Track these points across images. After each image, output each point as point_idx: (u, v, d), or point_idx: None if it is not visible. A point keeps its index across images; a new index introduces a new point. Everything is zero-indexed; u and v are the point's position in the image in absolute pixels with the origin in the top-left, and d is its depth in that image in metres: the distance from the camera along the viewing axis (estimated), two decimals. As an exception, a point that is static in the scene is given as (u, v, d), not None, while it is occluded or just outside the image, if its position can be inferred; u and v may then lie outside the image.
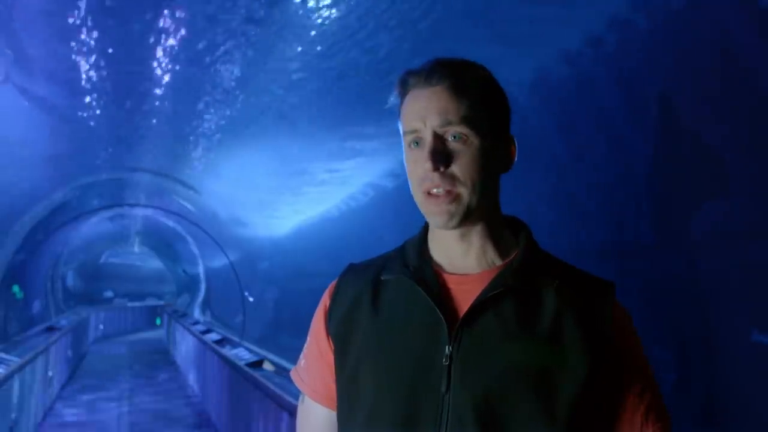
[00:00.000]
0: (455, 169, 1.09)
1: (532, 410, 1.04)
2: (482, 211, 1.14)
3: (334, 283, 1.26)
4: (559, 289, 1.11)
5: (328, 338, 1.22)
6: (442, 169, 1.09)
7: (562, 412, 1.04)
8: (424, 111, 1.11)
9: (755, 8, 2.19)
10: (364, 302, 1.18)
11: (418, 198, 1.13)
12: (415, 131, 1.12)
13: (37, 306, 10.04)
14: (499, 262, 1.16)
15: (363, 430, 1.12)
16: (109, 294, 23.34)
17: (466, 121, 1.10)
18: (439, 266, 1.17)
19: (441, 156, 1.09)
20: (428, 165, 1.09)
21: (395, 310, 1.15)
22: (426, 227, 1.23)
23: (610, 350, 1.09)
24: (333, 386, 1.21)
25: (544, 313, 1.09)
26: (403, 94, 1.17)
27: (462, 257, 1.16)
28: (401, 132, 1.17)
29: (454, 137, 1.10)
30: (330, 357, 1.21)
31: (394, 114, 1.19)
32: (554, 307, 1.09)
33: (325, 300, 1.26)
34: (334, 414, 1.22)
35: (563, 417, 1.04)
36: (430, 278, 1.15)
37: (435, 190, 1.10)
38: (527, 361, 1.06)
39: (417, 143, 1.12)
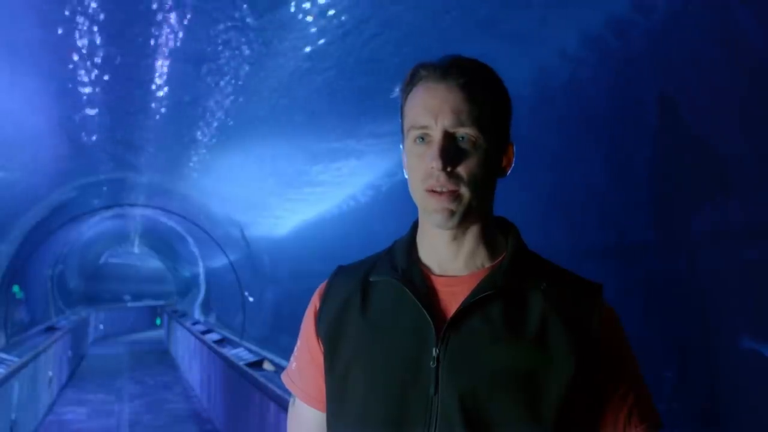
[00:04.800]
0: (461, 170, 1.08)
1: (519, 411, 1.04)
2: (479, 214, 1.14)
3: (323, 284, 1.26)
4: (546, 290, 1.11)
5: (318, 340, 1.22)
6: (449, 169, 1.08)
7: (548, 413, 1.05)
8: (438, 108, 1.09)
9: (755, 7, 2.18)
10: (353, 304, 1.17)
11: (419, 194, 1.12)
12: (424, 127, 1.10)
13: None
14: (487, 264, 1.16)
15: (352, 431, 1.12)
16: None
17: (478, 123, 1.09)
18: (428, 268, 1.17)
19: (450, 156, 1.08)
20: (436, 164, 1.07)
21: (384, 311, 1.15)
22: (414, 228, 1.22)
23: (595, 352, 1.09)
24: (324, 388, 1.20)
25: (531, 314, 1.09)
26: (411, 86, 1.14)
27: (452, 259, 1.16)
28: (405, 124, 1.14)
29: (463, 138, 1.09)
30: (320, 359, 1.21)
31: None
32: (541, 309, 1.09)
33: (314, 302, 1.25)
34: (325, 416, 1.21)
35: (549, 418, 1.05)
36: (418, 280, 1.14)
37: (438, 189, 1.09)
38: (514, 363, 1.06)
39: (423, 139, 1.11)
